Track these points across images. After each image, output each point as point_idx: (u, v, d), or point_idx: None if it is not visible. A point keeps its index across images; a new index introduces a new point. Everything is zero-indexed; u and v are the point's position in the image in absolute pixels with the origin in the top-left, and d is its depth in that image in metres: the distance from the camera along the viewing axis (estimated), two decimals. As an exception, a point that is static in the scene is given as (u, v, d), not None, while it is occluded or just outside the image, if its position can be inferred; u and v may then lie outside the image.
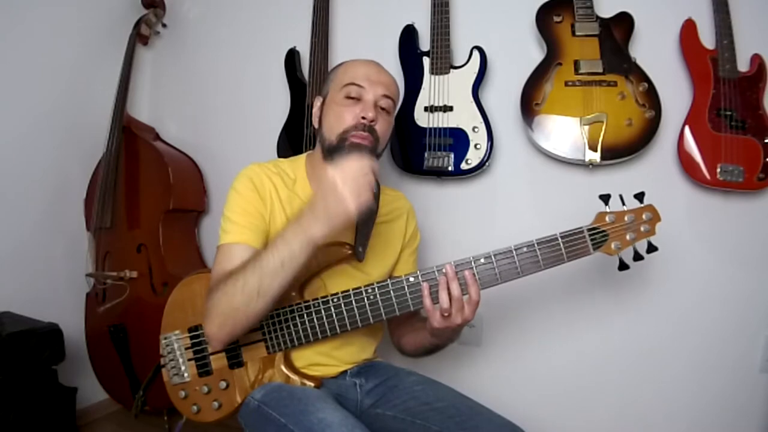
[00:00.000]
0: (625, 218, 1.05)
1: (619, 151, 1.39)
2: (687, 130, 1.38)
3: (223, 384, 1.13)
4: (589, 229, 1.04)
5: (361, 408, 1.17)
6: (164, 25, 2.04)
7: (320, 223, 0.93)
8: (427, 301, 1.01)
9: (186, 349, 1.17)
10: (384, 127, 1.14)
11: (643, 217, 1.06)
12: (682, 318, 1.45)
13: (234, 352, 1.13)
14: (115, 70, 1.89)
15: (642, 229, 1.05)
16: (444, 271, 1.00)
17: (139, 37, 1.95)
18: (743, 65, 1.38)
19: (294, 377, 1.11)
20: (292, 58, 1.76)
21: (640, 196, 1.05)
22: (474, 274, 1.01)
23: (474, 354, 1.63)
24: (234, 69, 1.95)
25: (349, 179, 0.91)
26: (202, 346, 1.16)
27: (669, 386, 1.46)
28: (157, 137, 1.99)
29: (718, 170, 1.34)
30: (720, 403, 1.43)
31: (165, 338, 1.20)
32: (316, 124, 1.20)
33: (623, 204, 1.06)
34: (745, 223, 1.41)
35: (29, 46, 1.74)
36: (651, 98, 1.38)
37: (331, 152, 1.12)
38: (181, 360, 1.17)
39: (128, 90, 1.90)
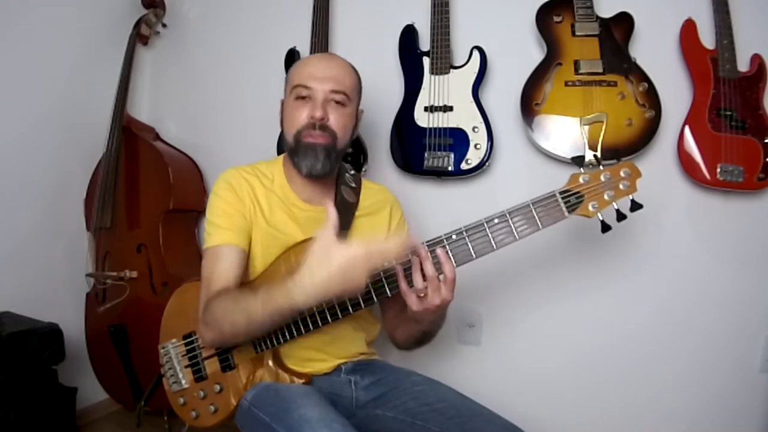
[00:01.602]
0: (601, 177, 0.98)
1: (619, 151, 1.39)
2: (687, 130, 1.38)
3: (217, 387, 1.14)
4: (562, 192, 0.99)
5: (357, 405, 1.16)
6: (164, 25, 2.04)
7: (304, 295, 0.92)
8: (403, 284, 0.99)
9: (182, 356, 1.18)
10: (340, 120, 1.14)
11: (621, 173, 0.98)
12: (682, 318, 1.45)
13: (224, 355, 1.14)
14: (115, 70, 1.89)
15: (621, 186, 0.98)
16: (417, 251, 0.97)
17: (139, 37, 1.95)
18: (743, 65, 1.38)
19: (283, 374, 1.11)
20: (292, 58, 1.76)
21: (616, 157, 1.00)
22: (447, 252, 0.98)
23: (474, 354, 1.63)
24: (234, 69, 1.95)
25: (340, 274, 0.89)
26: (195, 352, 1.17)
27: (669, 386, 1.46)
28: (157, 137, 1.98)
29: (718, 170, 1.34)
30: (720, 403, 1.43)
31: (163, 348, 1.21)
32: (280, 126, 1.22)
33: (599, 164, 1.00)
34: (745, 223, 1.41)
35: (29, 46, 1.74)
36: (651, 98, 1.38)
37: (292, 154, 1.16)
38: (178, 368, 1.18)
39: (128, 90, 1.90)
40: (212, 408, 1.13)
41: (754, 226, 1.41)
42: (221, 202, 1.14)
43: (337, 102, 1.14)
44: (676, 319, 1.45)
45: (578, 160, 1.00)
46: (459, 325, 1.63)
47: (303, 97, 1.14)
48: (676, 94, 1.41)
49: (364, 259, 0.89)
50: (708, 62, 1.38)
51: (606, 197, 0.98)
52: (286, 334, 1.07)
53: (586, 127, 1.40)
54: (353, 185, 1.26)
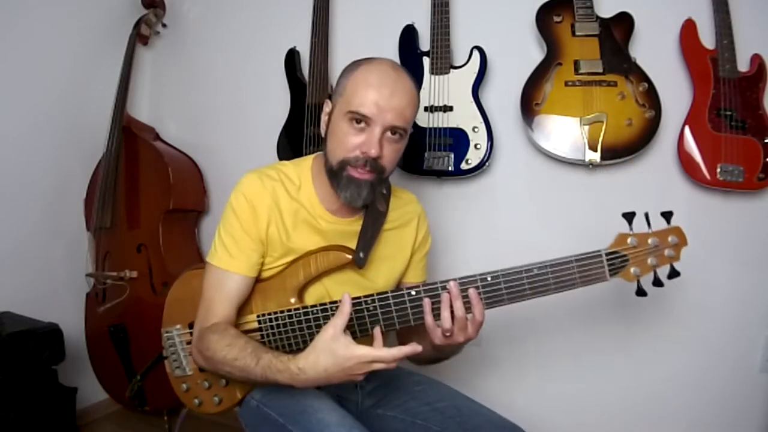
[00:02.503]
0: (649, 241, 0.94)
1: (619, 151, 1.39)
2: (687, 130, 1.38)
3: (223, 381, 1.13)
4: (608, 254, 0.94)
5: (362, 409, 1.17)
6: (164, 25, 2.04)
7: (304, 382, 0.92)
8: (429, 318, 0.96)
9: (187, 344, 1.17)
10: (393, 156, 1.05)
11: (669, 240, 0.94)
12: (682, 318, 1.45)
13: None
14: (115, 70, 1.89)
15: (666, 254, 0.94)
16: (448, 288, 0.95)
17: (139, 37, 1.95)
18: (743, 65, 1.38)
19: None
20: (292, 58, 1.76)
21: (667, 216, 0.93)
22: (479, 293, 0.96)
23: (474, 354, 1.63)
24: (234, 69, 1.95)
25: (341, 369, 0.90)
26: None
27: (669, 386, 1.46)
28: (157, 137, 1.99)
29: (718, 170, 1.34)
30: (720, 403, 1.43)
31: (167, 332, 1.20)
32: (323, 132, 1.12)
33: (648, 224, 0.94)
34: (745, 223, 1.41)
35: (29, 46, 1.74)
36: (651, 98, 1.38)
37: (332, 176, 1.06)
38: (182, 354, 1.18)
39: (128, 90, 1.90)
40: (216, 399, 1.14)
41: (754, 226, 1.41)
42: (235, 222, 1.06)
43: (394, 133, 1.03)
44: (676, 319, 1.45)
45: (629, 216, 0.94)
46: (459, 325, 1.63)
47: (359, 121, 1.01)
48: (676, 94, 1.41)
49: (368, 363, 0.89)
50: (708, 62, 1.38)
51: (649, 263, 0.95)
52: (300, 344, 1.05)
53: (586, 127, 1.41)
54: (384, 192, 1.17)
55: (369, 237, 1.11)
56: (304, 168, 1.14)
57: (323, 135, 1.11)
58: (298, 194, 1.10)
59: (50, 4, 1.78)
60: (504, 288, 0.96)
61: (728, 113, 1.34)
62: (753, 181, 1.33)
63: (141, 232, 1.81)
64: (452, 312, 0.95)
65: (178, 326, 1.19)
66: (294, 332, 1.06)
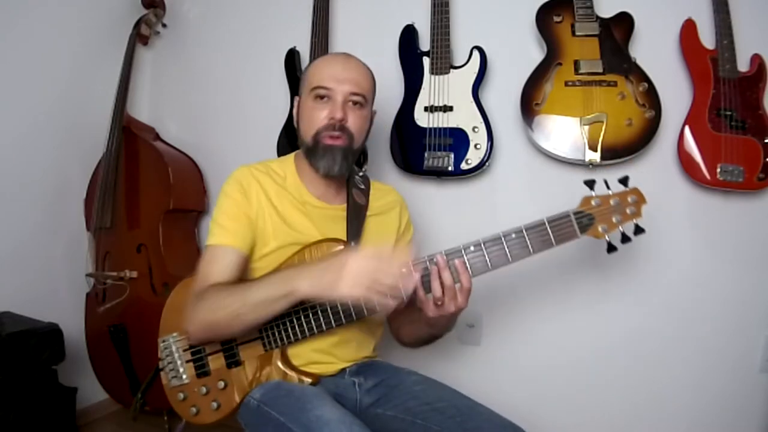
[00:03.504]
0: (611, 202, 1.06)
1: (619, 151, 1.39)
2: (687, 130, 1.38)
3: (221, 384, 1.13)
4: (575, 213, 1.05)
5: (360, 407, 1.16)
6: (164, 25, 2.04)
7: (308, 284, 0.96)
8: (420, 291, 1.02)
9: (184, 351, 1.17)
10: (357, 122, 1.17)
11: (629, 200, 1.06)
12: (682, 318, 1.45)
13: (231, 351, 1.13)
14: (115, 70, 1.89)
15: (628, 211, 1.06)
16: (435, 260, 1.01)
17: (139, 37, 1.95)
18: (743, 65, 1.38)
19: (291, 374, 1.11)
20: (292, 58, 1.76)
21: (624, 181, 1.06)
22: (464, 262, 1.02)
23: (474, 354, 1.63)
24: (234, 69, 1.95)
25: (355, 271, 0.94)
26: (199, 347, 1.16)
27: (669, 386, 1.46)
28: (157, 137, 1.98)
29: (718, 170, 1.34)
30: (720, 403, 1.43)
31: (163, 341, 1.20)
32: (296, 124, 1.24)
33: (608, 188, 1.06)
34: (745, 223, 1.41)
35: (29, 46, 1.74)
36: (651, 98, 1.38)
37: (309, 154, 1.17)
38: (179, 362, 1.17)
39: (128, 90, 1.90)
40: (214, 404, 1.13)
41: (754, 226, 1.41)
42: (228, 202, 1.15)
43: (356, 103, 1.16)
44: (676, 320, 1.45)
45: (590, 183, 1.06)
46: (459, 325, 1.63)
47: (322, 97, 1.15)
48: (676, 94, 1.41)
49: (371, 274, 0.93)
50: (708, 62, 1.38)
51: (614, 220, 1.05)
52: (297, 333, 1.08)
53: (586, 127, 1.41)
54: (362, 187, 1.28)
55: (356, 226, 1.19)
56: (288, 162, 1.25)
57: (296, 126, 1.24)
58: (284, 183, 1.20)
59: (50, 4, 1.78)
60: (487, 255, 1.03)
61: (728, 113, 1.35)
62: (753, 181, 1.33)
63: (141, 232, 1.81)
64: (441, 282, 1.01)
65: (174, 334, 1.19)
66: (292, 323, 1.08)
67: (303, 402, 0.99)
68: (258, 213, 1.14)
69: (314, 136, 1.15)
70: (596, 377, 1.52)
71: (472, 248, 1.03)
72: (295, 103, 1.25)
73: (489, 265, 1.03)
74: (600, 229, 1.05)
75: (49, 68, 1.80)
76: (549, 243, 1.03)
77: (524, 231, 1.03)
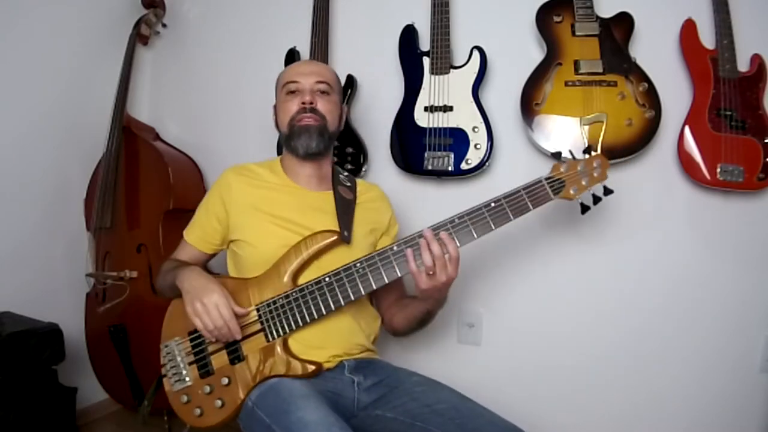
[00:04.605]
0: (578, 167, 1.16)
1: (619, 151, 1.39)
2: (687, 130, 1.38)
3: (225, 380, 1.13)
4: (547, 179, 1.15)
5: (359, 406, 1.16)
6: (164, 25, 2.04)
7: (186, 285, 1.15)
8: (412, 264, 1.08)
9: (186, 353, 1.18)
10: (327, 106, 1.27)
11: (594, 164, 1.16)
12: (683, 318, 1.45)
13: (234, 346, 1.14)
14: (115, 70, 1.89)
15: (595, 174, 1.16)
16: (423, 235, 1.08)
17: (139, 37, 1.95)
18: (743, 65, 1.38)
19: (294, 362, 1.12)
20: (292, 58, 1.76)
21: (587, 150, 1.16)
22: (450, 233, 1.10)
23: (474, 354, 1.63)
24: (234, 69, 1.95)
25: (200, 299, 1.10)
26: (202, 347, 1.16)
27: (669, 386, 1.46)
28: (157, 137, 1.98)
29: (718, 170, 1.34)
30: (720, 403, 1.43)
31: (165, 346, 1.21)
32: (276, 126, 1.35)
33: (573, 157, 1.17)
34: (745, 223, 1.41)
35: (29, 46, 1.74)
36: (651, 98, 1.38)
37: (288, 141, 1.27)
38: (182, 365, 1.18)
39: (128, 90, 1.89)
40: (219, 402, 1.12)
41: (754, 226, 1.41)
42: (206, 202, 1.31)
43: (322, 92, 1.28)
44: (676, 319, 1.45)
45: (557, 155, 1.18)
46: (459, 325, 1.64)
47: (292, 92, 1.27)
48: (676, 94, 1.41)
49: (211, 307, 1.09)
50: (708, 62, 1.38)
51: (583, 183, 1.16)
52: (291, 322, 1.13)
53: (586, 127, 1.41)
54: (348, 184, 1.35)
55: (346, 217, 1.25)
56: (275, 162, 1.36)
57: (276, 127, 1.35)
58: (270, 177, 1.30)
59: (50, 4, 1.78)
60: (470, 224, 1.11)
61: (728, 113, 1.35)
62: (753, 181, 1.33)
63: (141, 232, 1.81)
64: (431, 253, 1.07)
65: (176, 338, 1.20)
66: (292, 310, 1.13)
67: (288, 403, 1.00)
68: (231, 214, 1.25)
69: (289, 122, 1.26)
70: (596, 377, 1.52)
71: (456, 221, 1.11)
72: (273, 111, 1.35)
73: (474, 234, 1.11)
74: (571, 191, 1.15)
75: (49, 68, 1.80)
76: (526, 208, 1.13)
77: (502, 199, 1.13)
